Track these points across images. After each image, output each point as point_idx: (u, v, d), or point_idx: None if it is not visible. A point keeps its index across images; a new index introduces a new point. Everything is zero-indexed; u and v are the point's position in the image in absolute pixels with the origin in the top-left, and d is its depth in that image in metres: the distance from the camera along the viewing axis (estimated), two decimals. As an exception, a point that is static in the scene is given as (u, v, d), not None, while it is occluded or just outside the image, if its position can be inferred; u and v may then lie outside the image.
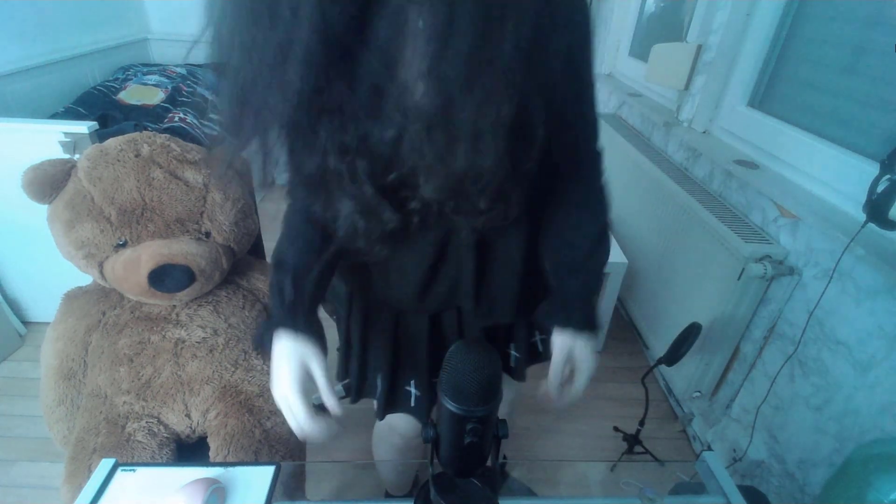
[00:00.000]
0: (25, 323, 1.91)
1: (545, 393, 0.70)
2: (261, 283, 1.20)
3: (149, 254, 0.97)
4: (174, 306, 1.06)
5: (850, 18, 1.19)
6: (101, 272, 1.04)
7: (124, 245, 1.01)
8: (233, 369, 1.03)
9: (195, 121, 2.30)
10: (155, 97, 2.40)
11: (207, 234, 1.08)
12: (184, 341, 1.02)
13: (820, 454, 1.13)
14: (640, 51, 2.40)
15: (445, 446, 0.53)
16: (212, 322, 1.06)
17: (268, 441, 0.96)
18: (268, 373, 1.06)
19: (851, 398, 1.06)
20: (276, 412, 1.02)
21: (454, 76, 0.43)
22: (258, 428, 0.97)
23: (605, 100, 2.67)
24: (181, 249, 0.99)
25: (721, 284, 1.37)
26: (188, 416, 0.99)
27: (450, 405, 0.48)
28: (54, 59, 2.22)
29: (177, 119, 2.25)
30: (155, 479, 0.69)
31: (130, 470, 0.70)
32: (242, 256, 1.22)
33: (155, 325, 1.03)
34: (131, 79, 2.54)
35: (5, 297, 1.83)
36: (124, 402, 0.96)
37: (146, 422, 0.95)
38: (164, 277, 0.97)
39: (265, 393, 1.03)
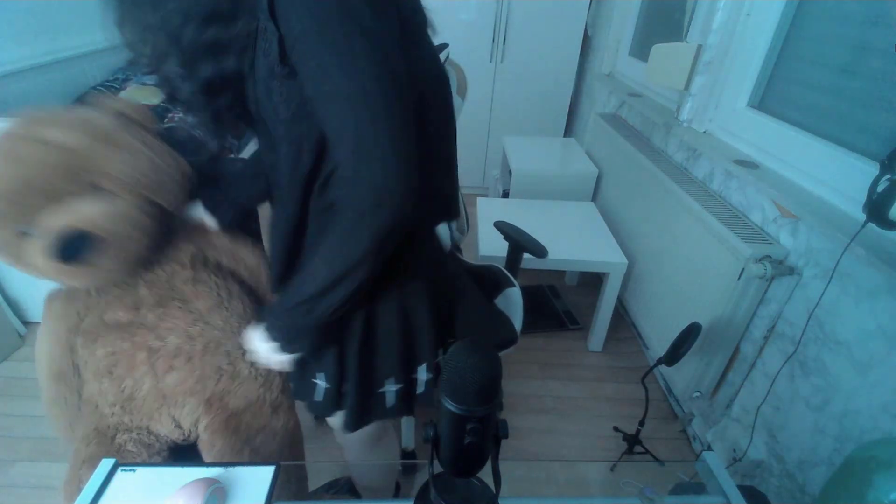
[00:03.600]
0: (25, 323, 1.91)
1: None
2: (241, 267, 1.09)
3: (40, 231, 0.87)
4: (137, 310, 0.98)
5: (850, 18, 1.19)
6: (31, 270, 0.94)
7: (29, 233, 0.90)
8: (217, 377, 0.97)
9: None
10: (155, 97, 2.40)
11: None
12: (157, 351, 0.96)
13: (820, 454, 1.13)
14: (640, 51, 2.40)
15: (445, 446, 0.53)
16: (184, 324, 0.98)
17: (258, 459, 0.95)
18: (255, 378, 0.98)
19: (851, 398, 1.06)
20: (263, 429, 0.97)
21: None
22: (247, 448, 0.94)
23: (605, 100, 2.67)
24: (74, 215, 0.88)
25: (721, 284, 1.37)
26: (178, 426, 0.96)
27: (450, 405, 0.48)
28: (54, 59, 2.22)
29: (177, 119, 2.25)
30: (155, 479, 0.69)
31: (130, 470, 0.70)
32: (216, 233, 1.06)
33: (124, 332, 0.97)
34: (131, 79, 2.54)
35: (5, 297, 1.83)
36: (112, 414, 0.94)
37: (136, 433, 0.93)
38: (67, 249, 0.87)
39: (251, 407, 0.98)
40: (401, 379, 0.81)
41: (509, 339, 1.24)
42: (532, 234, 1.84)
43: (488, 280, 1.41)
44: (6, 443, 1.50)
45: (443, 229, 1.42)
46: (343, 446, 1.05)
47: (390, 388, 0.81)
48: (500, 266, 1.48)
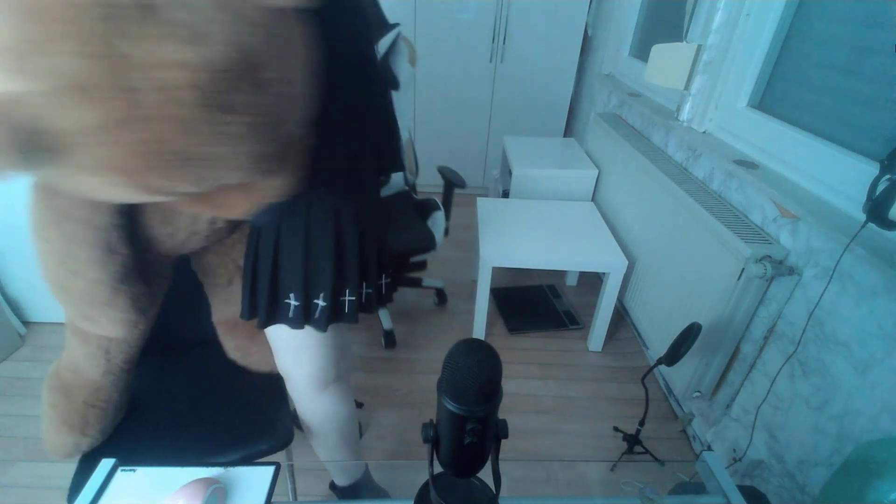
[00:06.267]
0: (25, 323, 1.91)
1: None
2: None
3: None
4: None
5: (850, 18, 1.19)
6: None
7: None
8: None
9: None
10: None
11: None
12: None
13: (820, 454, 1.13)
14: (640, 51, 2.40)
15: (445, 446, 0.53)
16: None
17: None
18: None
19: (851, 398, 1.06)
20: None
21: None
22: None
23: (605, 100, 2.67)
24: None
25: (721, 284, 1.37)
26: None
27: (450, 405, 0.48)
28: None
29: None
30: (155, 479, 0.69)
31: (130, 470, 0.70)
32: None
33: None
34: None
35: (5, 297, 1.83)
36: None
37: None
38: None
39: None
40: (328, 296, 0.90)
41: (430, 246, 1.84)
42: (531, 234, 1.92)
43: (425, 208, 2.00)
44: (6, 443, 1.50)
45: (396, 175, 1.67)
46: (292, 395, 1.08)
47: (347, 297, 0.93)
48: (436, 199, 2.03)
